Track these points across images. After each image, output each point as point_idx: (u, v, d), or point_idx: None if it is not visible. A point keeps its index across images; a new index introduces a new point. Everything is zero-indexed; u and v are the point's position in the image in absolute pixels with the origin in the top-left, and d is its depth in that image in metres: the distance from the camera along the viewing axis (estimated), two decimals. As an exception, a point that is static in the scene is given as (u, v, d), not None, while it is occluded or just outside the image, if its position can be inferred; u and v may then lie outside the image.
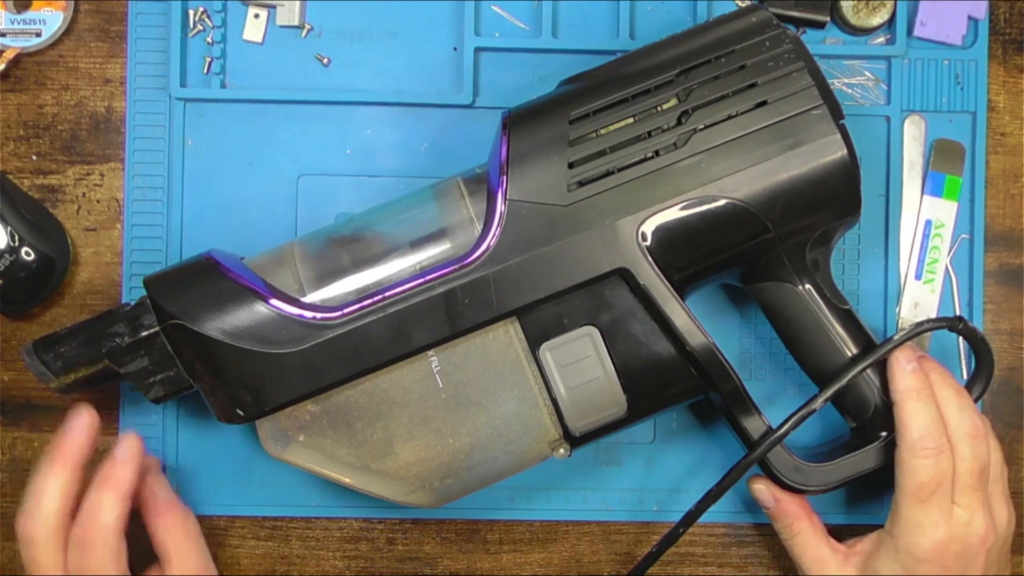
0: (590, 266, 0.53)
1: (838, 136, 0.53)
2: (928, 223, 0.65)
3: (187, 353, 0.54)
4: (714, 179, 0.53)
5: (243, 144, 0.65)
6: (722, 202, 0.53)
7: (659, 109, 0.54)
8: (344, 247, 0.56)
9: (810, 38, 0.65)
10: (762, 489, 0.60)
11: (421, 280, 0.53)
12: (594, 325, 0.54)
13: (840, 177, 0.53)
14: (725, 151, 0.53)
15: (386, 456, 0.55)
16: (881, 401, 0.58)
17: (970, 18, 0.65)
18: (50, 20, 0.64)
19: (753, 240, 0.54)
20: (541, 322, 0.54)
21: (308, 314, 0.53)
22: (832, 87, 0.55)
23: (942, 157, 0.65)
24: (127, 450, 0.56)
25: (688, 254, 0.54)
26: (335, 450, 0.55)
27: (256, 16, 0.65)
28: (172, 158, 0.64)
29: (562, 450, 0.56)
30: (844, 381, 0.56)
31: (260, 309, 0.53)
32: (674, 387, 0.56)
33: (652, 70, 0.55)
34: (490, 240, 0.53)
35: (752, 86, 0.54)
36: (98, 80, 0.65)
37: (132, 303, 0.56)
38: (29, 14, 0.64)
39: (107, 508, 0.54)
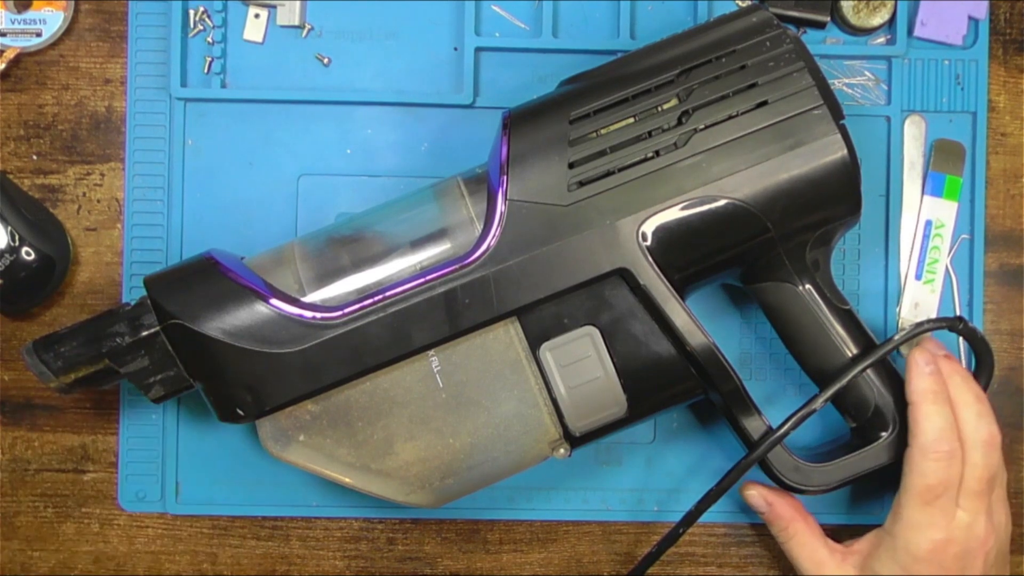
0: (590, 266, 0.53)
1: (838, 136, 0.53)
2: (928, 223, 0.65)
3: (187, 353, 0.54)
4: (714, 179, 0.53)
5: (243, 144, 0.65)
6: (722, 202, 0.53)
7: (659, 109, 0.54)
8: (344, 247, 0.56)
9: (810, 38, 0.65)
10: (754, 495, 0.60)
11: (421, 280, 0.53)
12: (594, 325, 0.54)
13: (840, 177, 0.53)
14: (725, 151, 0.53)
15: (386, 456, 0.55)
16: (881, 401, 0.58)
17: (970, 18, 0.65)
18: (50, 20, 0.64)
19: (753, 240, 0.54)
20: (541, 322, 0.54)
21: (308, 314, 0.53)
22: (832, 87, 0.55)
23: (942, 157, 0.65)
24: None
25: (688, 254, 0.54)
26: (335, 450, 0.55)
27: (256, 16, 0.65)
28: (172, 158, 0.64)
29: (562, 450, 0.56)
30: (844, 381, 0.56)
31: (260, 309, 0.53)
32: (674, 387, 0.56)
33: (653, 70, 0.55)
34: (490, 240, 0.53)
35: (753, 86, 0.54)
36: (98, 80, 0.65)
37: (132, 303, 0.56)
38: (29, 14, 0.64)
39: None
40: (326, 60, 0.65)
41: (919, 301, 0.65)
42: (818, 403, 0.56)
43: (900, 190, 0.65)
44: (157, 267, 0.63)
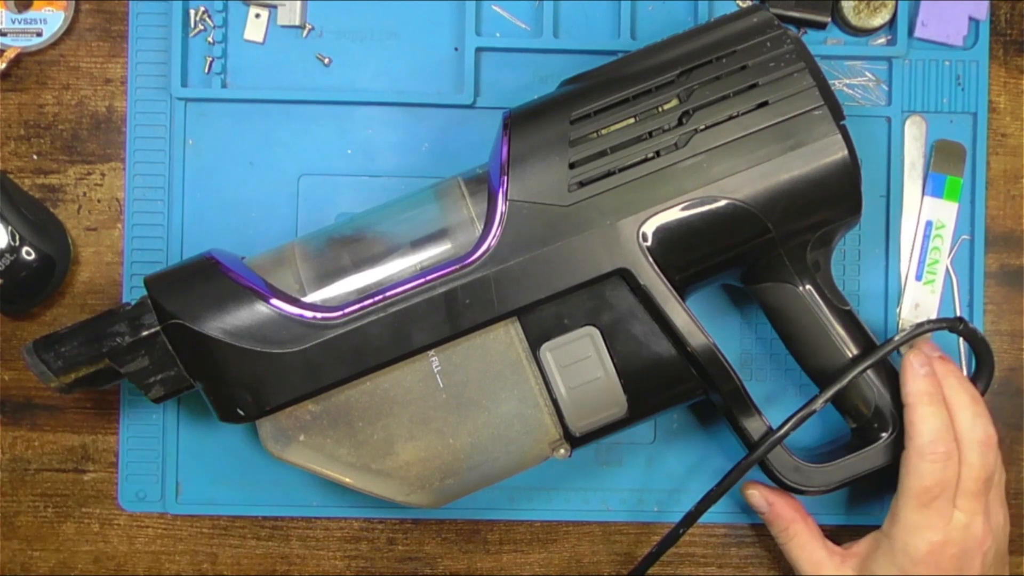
0: (591, 266, 0.53)
1: (839, 137, 0.53)
2: (929, 224, 0.65)
3: (187, 353, 0.54)
4: (715, 179, 0.53)
5: (244, 144, 0.65)
6: (723, 202, 0.53)
7: (660, 109, 0.54)
8: (345, 247, 0.56)
9: (811, 39, 0.65)
10: (755, 494, 0.60)
11: (422, 280, 0.53)
12: (595, 325, 0.54)
13: (841, 178, 0.53)
14: (726, 151, 0.53)
15: (386, 456, 0.55)
16: (882, 402, 0.58)
17: (971, 19, 0.65)
18: (51, 20, 0.64)
19: (754, 241, 0.54)
20: (542, 322, 0.54)
21: (309, 314, 0.53)
22: (833, 88, 0.55)
23: (943, 158, 0.65)
24: None
25: (689, 254, 0.54)
26: (335, 450, 0.55)
27: (257, 16, 0.65)
28: (173, 158, 0.64)
29: (562, 450, 0.56)
30: (845, 382, 0.56)
31: (261, 309, 0.53)
32: (674, 387, 0.56)
33: (653, 70, 0.55)
34: (491, 240, 0.53)
35: (753, 87, 0.54)
36: (99, 80, 0.65)
37: (133, 303, 0.56)
38: (30, 14, 0.64)
39: None
40: (327, 60, 0.65)
41: (919, 302, 0.65)
42: (818, 404, 0.56)
43: (900, 191, 0.65)
44: (157, 267, 0.62)
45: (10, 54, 0.64)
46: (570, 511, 0.65)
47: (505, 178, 0.54)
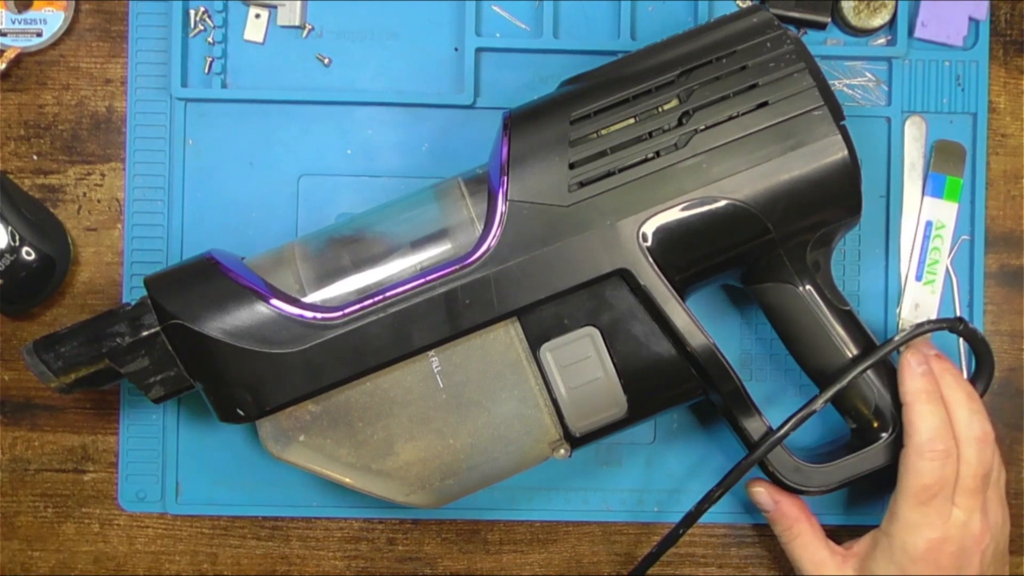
0: (591, 267, 0.53)
1: (839, 137, 0.53)
2: (929, 224, 0.65)
3: (187, 353, 0.54)
4: (715, 180, 0.53)
5: (244, 144, 0.65)
6: (723, 203, 0.53)
7: (660, 110, 0.54)
8: (345, 247, 0.56)
9: (811, 39, 0.65)
10: (761, 492, 0.60)
11: (422, 280, 0.53)
12: (595, 326, 0.54)
13: (841, 178, 0.53)
14: (726, 152, 0.53)
15: (386, 456, 0.55)
16: (882, 402, 0.58)
17: (971, 19, 0.65)
18: (51, 20, 0.64)
19: (754, 241, 0.54)
20: (542, 322, 0.54)
21: (309, 314, 0.53)
22: (833, 88, 0.55)
23: (943, 158, 0.65)
24: None
25: (689, 255, 0.54)
26: (335, 450, 0.55)
27: (257, 16, 0.65)
28: (173, 158, 0.64)
29: (562, 450, 0.56)
30: (844, 382, 0.56)
31: (261, 309, 0.53)
32: (675, 388, 0.56)
33: (653, 71, 0.55)
34: (491, 240, 0.53)
35: (753, 87, 0.54)
36: (99, 80, 0.65)
37: (133, 303, 0.56)
38: (30, 14, 0.64)
39: None
40: (326, 60, 0.65)
41: (919, 302, 0.65)
42: (818, 404, 0.56)
43: (900, 191, 0.65)
44: (157, 267, 0.63)
45: (10, 54, 0.64)
46: (570, 511, 0.65)
47: (505, 178, 0.54)
